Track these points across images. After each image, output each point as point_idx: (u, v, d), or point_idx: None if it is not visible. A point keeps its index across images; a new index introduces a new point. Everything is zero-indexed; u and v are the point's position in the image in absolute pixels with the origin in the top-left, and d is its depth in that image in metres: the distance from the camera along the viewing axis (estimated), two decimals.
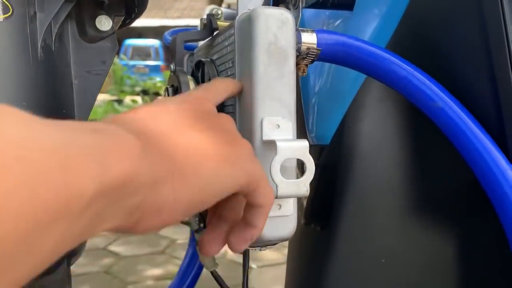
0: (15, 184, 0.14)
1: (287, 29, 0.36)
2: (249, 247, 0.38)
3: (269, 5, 0.54)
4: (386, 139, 0.45)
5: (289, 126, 0.36)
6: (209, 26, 0.49)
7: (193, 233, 0.56)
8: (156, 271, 1.66)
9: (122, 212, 0.21)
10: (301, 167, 0.37)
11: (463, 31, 0.38)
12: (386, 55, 0.38)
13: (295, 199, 0.37)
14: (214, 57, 0.44)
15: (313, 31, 0.38)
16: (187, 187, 0.24)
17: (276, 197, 0.34)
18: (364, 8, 0.48)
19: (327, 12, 0.56)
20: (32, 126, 0.16)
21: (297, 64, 0.39)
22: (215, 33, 0.46)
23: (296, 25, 0.53)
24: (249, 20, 0.36)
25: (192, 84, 0.44)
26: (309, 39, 0.37)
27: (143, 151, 0.21)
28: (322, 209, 0.51)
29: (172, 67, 0.48)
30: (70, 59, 0.38)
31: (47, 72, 0.34)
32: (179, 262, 1.81)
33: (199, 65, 0.46)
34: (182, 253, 1.90)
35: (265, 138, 0.35)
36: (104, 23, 0.39)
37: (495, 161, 0.35)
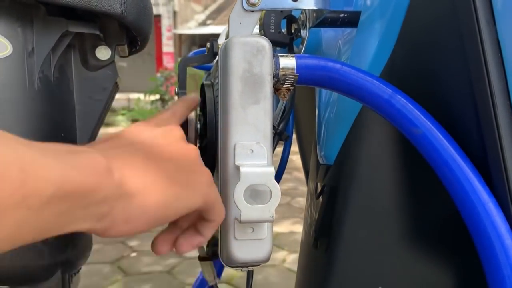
0: None
1: (262, 56, 0.36)
2: (231, 267, 0.39)
3: (278, 27, 0.55)
4: (383, 162, 0.44)
5: (263, 151, 0.36)
6: (211, 50, 0.51)
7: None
8: None
9: (90, 217, 0.26)
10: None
11: (447, 56, 0.36)
12: (368, 78, 0.37)
13: (271, 224, 0.37)
14: (216, 80, 0.46)
15: (293, 56, 0.38)
16: (153, 203, 0.29)
17: (240, 222, 0.35)
18: (366, 26, 0.47)
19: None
20: (5, 144, 0.21)
21: (278, 89, 0.39)
22: (217, 57, 0.47)
23: (302, 44, 0.53)
24: (225, 49, 0.37)
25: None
26: (288, 64, 0.38)
27: (110, 171, 0.26)
28: (328, 229, 0.50)
29: (176, 90, 0.50)
30: (73, 86, 0.42)
31: (45, 100, 0.38)
32: None
33: (202, 87, 0.48)
34: None
35: (236, 163, 0.36)
36: (104, 53, 0.42)
37: (476, 192, 0.33)
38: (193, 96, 0.43)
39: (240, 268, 0.40)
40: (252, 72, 0.36)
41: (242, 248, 0.37)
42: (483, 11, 0.32)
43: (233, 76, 0.36)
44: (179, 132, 0.35)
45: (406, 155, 0.43)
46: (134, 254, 1.92)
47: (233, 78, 0.36)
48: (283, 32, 0.55)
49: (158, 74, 8.43)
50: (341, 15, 0.53)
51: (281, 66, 0.38)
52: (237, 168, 0.35)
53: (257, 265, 0.39)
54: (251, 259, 0.38)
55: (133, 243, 2.03)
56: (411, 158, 0.43)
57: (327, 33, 0.60)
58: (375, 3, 0.46)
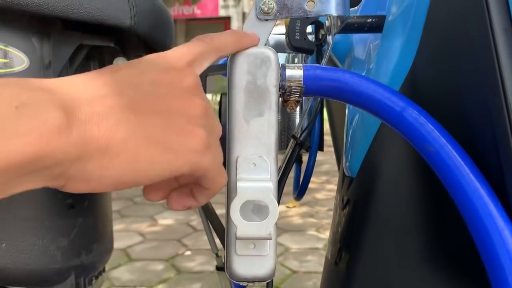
0: None
1: (266, 67, 0.35)
2: (243, 281, 0.39)
3: (304, 33, 0.53)
4: (404, 177, 0.41)
5: (266, 165, 0.35)
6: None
7: None
8: None
9: (42, 178, 0.23)
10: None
11: (463, 68, 0.33)
12: (379, 90, 0.35)
13: (274, 239, 0.36)
14: None
15: (300, 67, 0.37)
16: (119, 167, 0.25)
17: (237, 238, 0.34)
18: (390, 32, 0.44)
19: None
20: None
21: (286, 100, 0.38)
22: None
23: (326, 51, 0.51)
24: (230, 60, 0.36)
25: None
26: (295, 75, 0.36)
27: (67, 129, 0.22)
28: (348, 244, 0.48)
29: None
30: None
31: None
32: (288, 271, 1.84)
33: (221, 97, 0.48)
34: (293, 263, 1.93)
35: (237, 176, 0.35)
36: (120, 62, 0.43)
37: (492, 217, 0.30)
38: (250, 33, 0.36)
39: (246, 283, 0.39)
40: (256, 83, 0.35)
41: (243, 263, 0.36)
42: (499, 18, 0.28)
43: (236, 88, 0.35)
44: (191, 80, 0.29)
45: (428, 171, 0.40)
46: (188, 252, 1.97)
47: (236, 90, 0.35)
48: (309, 38, 0.53)
49: None
50: (369, 20, 0.50)
51: (287, 77, 0.36)
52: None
53: (260, 281, 0.38)
54: (253, 275, 0.37)
55: (188, 241, 2.09)
56: (433, 173, 0.40)
57: (358, 37, 0.58)
58: (397, 8, 0.44)
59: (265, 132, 0.36)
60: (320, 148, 0.61)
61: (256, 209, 0.35)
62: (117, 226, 2.32)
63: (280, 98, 0.38)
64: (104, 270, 0.52)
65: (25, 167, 0.21)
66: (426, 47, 0.38)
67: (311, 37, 0.55)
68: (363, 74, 0.51)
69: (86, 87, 0.25)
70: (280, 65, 0.37)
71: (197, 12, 15.47)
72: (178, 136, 0.27)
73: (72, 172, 0.23)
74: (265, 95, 0.35)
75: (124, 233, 2.22)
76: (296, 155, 0.49)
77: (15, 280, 0.39)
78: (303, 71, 0.36)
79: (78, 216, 0.41)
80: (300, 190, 0.59)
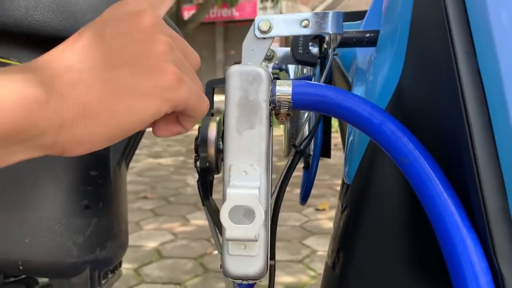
0: None
1: (258, 84, 0.39)
2: (236, 279, 0.42)
3: (307, 47, 0.56)
4: (389, 185, 0.44)
5: (256, 173, 0.39)
6: None
7: None
8: (289, 279, 1.74)
9: (35, 148, 0.26)
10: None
11: (436, 87, 0.35)
12: (361, 104, 0.38)
13: (263, 242, 0.40)
14: None
15: (289, 84, 0.40)
16: (102, 124, 0.27)
17: (226, 239, 0.37)
18: (381, 46, 0.47)
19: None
20: None
21: (277, 113, 0.41)
22: None
23: (327, 64, 0.54)
24: (227, 76, 0.40)
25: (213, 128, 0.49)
26: (284, 91, 0.40)
27: (47, 102, 0.25)
28: (342, 249, 0.50)
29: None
30: None
31: None
32: (314, 273, 1.86)
33: None
34: (319, 265, 1.94)
35: (230, 183, 0.39)
36: None
37: (457, 225, 0.32)
38: None
39: (241, 280, 0.42)
40: (248, 98, 0.39)
41: (234, 263, 0.40)
42: (461, 42, 0.31)
43: (230, 102, 0.39)
44: (149, 20, 0.29)
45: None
46: (216, 252, 2.02)
47: (230, 104, 0.39)
48: (311, 52, 0.56)
49: None
50: (366, 35, 0.53)
51: (277, 92, 0.40)
52: None
53: (252, 280, 0.41)
54: (244, 273, 0.40)
55: None
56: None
57: (361, 48, 0.60)
58: (387, 23, 0.46)
59: (256, 143, 0.39)
60: (327, 154, 0.64)
61: (247, 213, 0.38)
62: (150, 225, 2.40)
63: (272, 111, 0.42)
64: (120, 265, 0.57)
65: (13, 136, 0.24)
66: (410, 64, 0.40)
67: (316, 50, 0.58)
68: (363, 84, 0.53)
69: (61, 58, 0.27)
70: (272, 80, 0.40)
71: (236, 14, 15.62)
72: (148, 79, 0.28)
73: (64, 139, 0.26)
74: (257, 109, 0.39)
75: (157, 232, 2.30)
76: (296, 163, 0.52)
77: (37, 271, 0.44)
78: (292, 87, 0.40)
79: (93, 216, 0.46)
80: (304, 195, 0.62)
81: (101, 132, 0.27)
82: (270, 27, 0.45)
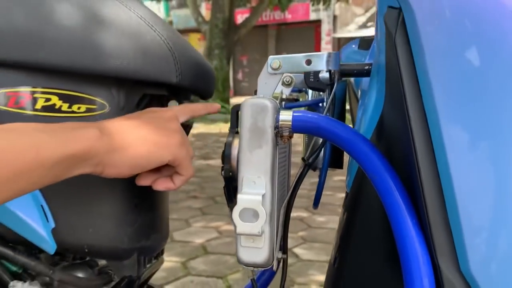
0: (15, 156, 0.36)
1: (264, 113, 0.49)
2: (247, 266, 0.53)
3: (317, 76, 0.66)
4: (376, 195, 0.53)
5: (262, 183, 0.49)
6: None
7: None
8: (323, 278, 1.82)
9: (88, 166, 0.41)
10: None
11: (400, 138, 0.44)
12: (343, 130, 0.47)
13: (268, 237, 0.50)
14: None
15: (290, 113, 0.50)
16: (130, 157, 0.44)
17: (236, 234, 0.48)
18: (372, 77, 0.56)
19: None
20: (26, 133, 0.38)
21: (281, 136, 0.52)
22: None
23: (331, 93, 0.63)
24: (241, 107, 0.51)
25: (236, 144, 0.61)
26: (286, 118, 0.50)
27: (101, 137, 0.42)
28: (337, 252, 0.60)
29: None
30: None
31: None
32: None
33: None
34: None
35: (242, 191, 0.50)
36: (173, 105, 0.60)
37: (408, 229, 0.41)
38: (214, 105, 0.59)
39: (252, 268, 0.53)
40: (257, 125, 0.50)
41: (245, 253, 0.51)
42: (409, 85, 0.40)
43: (243, 127, 0.50)
44: (172, 116, 0.50)
45: None
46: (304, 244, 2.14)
47: (243, 129, 0.50)
48: (321, 80, 0.66)
49: None
50: (365, 67, 0.62)
51: (280, 120, 0.50)
52: None
53: (260, 268, 0.52)
54: (253, 261, 0.51)
55: None
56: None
57: None
58: (374, 55, 0.55)
59: (263, 159, 0.50)
60: (339, 165, 0.74)
61: (254, 214, 0.49)
62: (198, 223, 2.57)
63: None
64: (162, 253, 0.70)
65: (79, 157, 0.40)
66: (388, 97, 0.50)
67: (327, 77, 0.68)
68: (364, 104, 0.63)
69: (114, 121, 0.46)
70: (278, 109, 0.50)
71: (288, 16, 15.68)
72: (164, 138, 0.47)
73: (105, 161, 0.42)
74: (264, 133, 0.50)
75: (204, 229, 2.45)
76: (304, 175, 0.62)
77: (97, 254, 0.58)
78: (292, 117, 0.50)
79: (140, 212, 0.58)
80: (315, 201, 0.72)
81: (128, 162, 0.44)
82: (280, 65, 0.56)
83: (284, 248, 0.63)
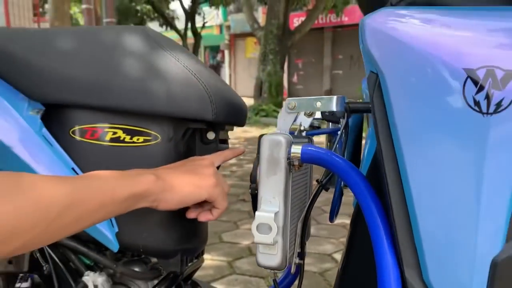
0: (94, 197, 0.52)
1: (279, 147, 0.62)
2: (264, 268, 0.66)
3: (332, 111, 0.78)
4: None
5: (276, 202, 0.62)
6: None
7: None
8: None
9: (147, 201, 0.56)
10: None
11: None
12: (340, 162, 0.59)
13: (281, 246, 0.63)
14: None
15: (299, 147, 0.63)
16: (177, 195, 0.59)
17: (254, 242, 0.62)
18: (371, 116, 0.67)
19: None
20: (103, 178, 0.54)
21: (293, 165, 0.64)
22: None
23: (347, 123, 0.75)
24: (260, 141, 0.64)
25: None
26: (296, 151, 0.63)
27: (156, 181, 0.57)
28: (344, 255, 0.72)
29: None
30: (195, 153, 0.75)
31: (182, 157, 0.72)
32: None
33: None
34: None
35: (260, 208, 0.63)
36: (211, 135, 0.74)
37: (382, 242, 0.53)
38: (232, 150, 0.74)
39: (269, 270, 0.66)
40: (273, 156, 0.63)
41: (262, 257, 0.64)
42: (382, 132, 0.51)
43: (262, 157, 0.63)
44: (209, 163, 0.66)
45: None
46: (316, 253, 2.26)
47: (262, 158, 0.63)
48: (335, 113, 0.78)
49: None
50: (369, 106, 0.73)
51: (291, 153, 0.63)
52: None
53: (276, 270, 0.65)
54: (268, 265, 0.64)
55: None
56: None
57: None
58: None
59: (278, 183, 0.62)
60: None
61: (269, 227, 0.62)
62: (246, 225, 2.72)
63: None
64: (202, 253, 0.85)
65: (140, 195, 0.55)
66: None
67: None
68: (368, 138, 0.74)
69: (165, 169, 0.63)
70: (291, 143, 0.63)
71: (345, 19, 15.55)
72: (201, 181, 0.62)
73: (159, 199, 0.58)
74: (278, 163, 0.62)
75: (251, 232, 2.59)
76: (318, 194, 0.74)
77: (150, 253, 0.73)
78: (301, 150, 0.62)
79: (183, 221, 0.73)
80: (330, 215, 0.84)
81: (175, 200, 0.60)
82: (295, 106, 0.69)
83: (301, 254, 0.75)
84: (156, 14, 14.08)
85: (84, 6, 6.56)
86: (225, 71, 19.42)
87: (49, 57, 0.69)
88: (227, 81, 18.61)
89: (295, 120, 0.71)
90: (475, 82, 0.46)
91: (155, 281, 0.76)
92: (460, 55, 0.47)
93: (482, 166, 0.47)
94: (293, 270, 0.73)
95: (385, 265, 0.52)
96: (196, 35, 14.35)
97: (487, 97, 0.46)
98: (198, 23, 15.06)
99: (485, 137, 0.47)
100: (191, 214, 0.67)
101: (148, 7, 13.71)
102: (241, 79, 18.09)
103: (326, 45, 16.90)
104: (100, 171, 0.55)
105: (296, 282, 0.81)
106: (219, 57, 21.64)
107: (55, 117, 0.70)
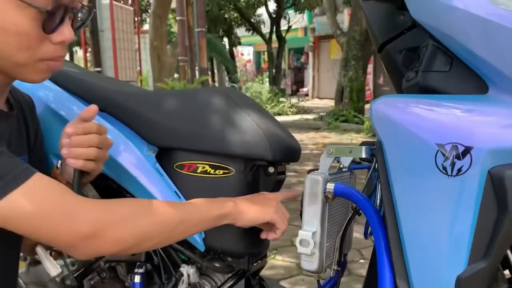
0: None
1: (317, 185, 0.87)
2: (306, 271, 0.91)
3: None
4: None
5: (315, 224, 0.87)
6: None
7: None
8: None
9: (228, 220, 0.85)
10: None
11: None
12: (360, 200, 0.82)
13: (318, 256, 0.87)
14: None
15: (333, 185, 0.86)
16: (248, 217, 0.87)
17: (298, 252, 0.87)
18: None
19: None
20: (196, 205, 0.84)
21: (327, 197, 0.88)
22: None
23: (351, 179, 0.98)
24: (305, 181, 0.89)
25: None
26: (330, 188, 0.86)
27: (235, 206, 0.85)
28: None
29: None
30: (260, 181, 1.02)
31: (249, 190, 0.99)
32: None
33: None
34: None
35: (303, 228, 0.88)
36: (271, 169, 1.00)
37: (384, 256, 0.75)
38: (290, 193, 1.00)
39: (311, 274, 0.91)
40: (313, 191, 0.87)
41: (304, 263, 0.88)
42: (382, 175, 0.74)
43: (305, 191, 0.88)
44: (271, 196, 0.92)
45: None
46: (362, 260, 2.44)
47: (305, 192, 0.88)
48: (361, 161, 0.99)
49: None
50: None
51: (326, 189, 0.87)
52: None
53: (314, 273, 0.89)
54: (308, 269, 0.88)
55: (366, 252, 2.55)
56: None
57: None
58: None
59: (316, 211, 0.87)
60: None
61: (308, 242, 0.87)
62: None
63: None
64: (265, 256, 1.11)
65: (224, 216, 0.84)
66: None
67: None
68: None
69: (239, 199, 0.89)
70: (327, 181, 0.87)
71: None
72: (265, 209, 0.88)
73: (236, 218, 0.86)
74: (316, 196, 0.87)
75: None
76: (352, 219, 0.97)
77: (226, 254, 1.01)
78: (334, 187, 0.86)
79: (251, 232, 1.00)
80: (365, 233, 1.05)
81: (247, 220, 0.86)
82: (333, 152, 0.93)
83: (339, 262, 0.98)
84: (243, 20, 14.67)
85: (178, 17, 7.19)
86: (309, 72, 19.56)
87: (160, 113, 1.00)
88: (311, 83, 18.76)
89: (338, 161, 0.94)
90: (444, 154, 0.67)
91: (229, 275, 1.04)
92: (434, 133, 0.69)
93: (449, 210, 0.68)
94: (332, 274, 0.97)
95: (382, 276, 0.75)
96: (281, 39, 14.72)
97: (452, 164, 0.67)
98: (283, 26, 15.41)
99: (451, 191, 0.68)
100: (263, 235, 0.93)
101: (236, 14, 14.34)
102: (325, 80, 18.12)
103: None
104: (198, 199, 0.84)
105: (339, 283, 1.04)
106: (303, 59, 21.85)
107: (164, 156, 1.00)
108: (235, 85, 11.53)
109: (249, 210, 0.87)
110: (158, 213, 0.73)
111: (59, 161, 0.90)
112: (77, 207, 0.66)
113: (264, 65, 22.24)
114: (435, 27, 0.72)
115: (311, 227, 0.87)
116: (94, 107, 0.81)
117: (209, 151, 0.96)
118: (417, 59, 0.84)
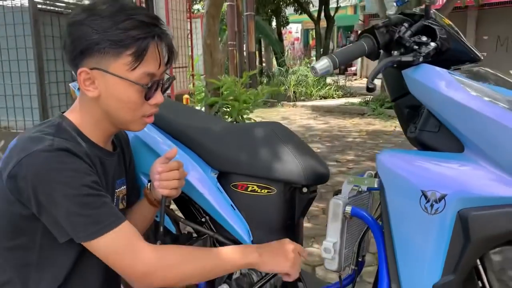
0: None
1: (338, 206, 1.15)
2: (328, 269, 1.20)
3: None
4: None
5: (336, 236, 1.16)
6: None
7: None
8: None
9: (252, 266, 1.08)
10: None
11: None
12: (369, 220, 1.10)
13: (337, 260, 1.16)
14: None
15: (351, 207, 1.14)
16: (269, 265, 1.08)
17: (323, 256, 1.16)
18: None
19: None
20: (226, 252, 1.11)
21: (346, 217, 1.15)
22: None
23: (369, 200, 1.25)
24: (330, 204, 1.17)
25: None
26: (348, 210, 1.14)
27: (260, 255, 1.07)
28: None
29: None
30: (296, 199, 1.31)
31: (288, 210, 1.29)
32: None
33: None
34: None
35: (326, 239, 1.17)
36: (304, 190, 1.29)
37: (384, 261, 1.04)
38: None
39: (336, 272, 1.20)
40: (335, 211, 1.16)
41: (327, 264, 1.17)
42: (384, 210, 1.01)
43: (329, 211, 1.17)
44: (292, 249, 1.10)
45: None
46: None
47: (329, 212, 1.17)
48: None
49: None
50: None
51: (345, 210, 1.15)
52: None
53: (334, 272, 1.18)
54: (330, 268, 1.18)
55: None
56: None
57: None
58: None
59: (336, 227, 1.15)
60: None
61: (330, 250, 1.16)
62: None
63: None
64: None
65: (249, 264, 1.08)
66: None
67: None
68: None
69: (260, 246, 1.12)
70: (346, 204, 1.15)
71: None
72: (284, 259, 1.09)
73: (259, 266, 1.08)
74: (338, 216, 1.15)
75: None
76: (366, 232, 1.24)
77: None
78: (351, 209, 1.14)
79: (286, 233, 1.30)
80: None
81: (268, 267, 1.10)
82: (352, 181, 1.20)
83: (356, 263, 1.26)
84: (291, 0, 14.69)
85: (228, 3, 7.47)
86: None
87: (221, 145, 1.31)
88: (359, 62, 18.54)
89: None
90: (426, 197, 0.94)
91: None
92: (420, 182, 0.95)
93: (429, 237, 0.95)
94: (350, 272, 1.26)
95: (381, 279, 1.03)
96: (329, 19, 14.63)
97: (431, 206, 0.94)
98: (332, 4, 15.28)
99: (430, 225, 0.95)
100: (284, 277, 1.14)
101: None
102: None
103: (470, 25, 15.78)
104: (230, 246, 1.10)
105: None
106: (352, 37, 21.53)
107: (223, 177, 1.32)
108: (282, 68, 11.66)
109: (270, 262, 1.06)
110: (198, 261, 0.99)
111: (149, 184, 1.23)
112: (142, 252, 0.94)
113: (312, 42, 22.12)
114: (425, 102, 0.98)
115: (332, 238, 1.16)
116: (175, 150, 1.13)
117: (257, 175, 1.27)
118: (418, 116, 1.09)
